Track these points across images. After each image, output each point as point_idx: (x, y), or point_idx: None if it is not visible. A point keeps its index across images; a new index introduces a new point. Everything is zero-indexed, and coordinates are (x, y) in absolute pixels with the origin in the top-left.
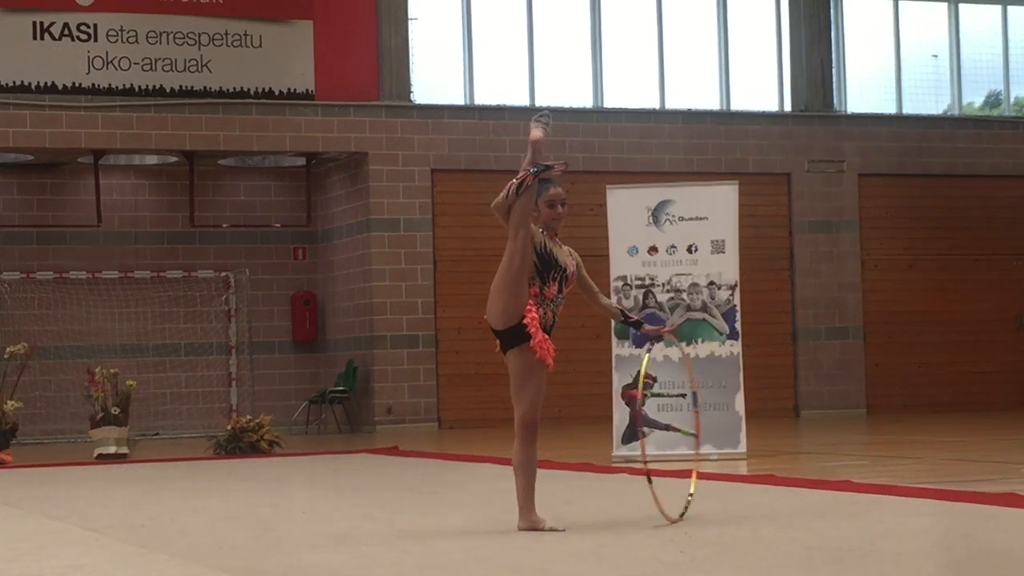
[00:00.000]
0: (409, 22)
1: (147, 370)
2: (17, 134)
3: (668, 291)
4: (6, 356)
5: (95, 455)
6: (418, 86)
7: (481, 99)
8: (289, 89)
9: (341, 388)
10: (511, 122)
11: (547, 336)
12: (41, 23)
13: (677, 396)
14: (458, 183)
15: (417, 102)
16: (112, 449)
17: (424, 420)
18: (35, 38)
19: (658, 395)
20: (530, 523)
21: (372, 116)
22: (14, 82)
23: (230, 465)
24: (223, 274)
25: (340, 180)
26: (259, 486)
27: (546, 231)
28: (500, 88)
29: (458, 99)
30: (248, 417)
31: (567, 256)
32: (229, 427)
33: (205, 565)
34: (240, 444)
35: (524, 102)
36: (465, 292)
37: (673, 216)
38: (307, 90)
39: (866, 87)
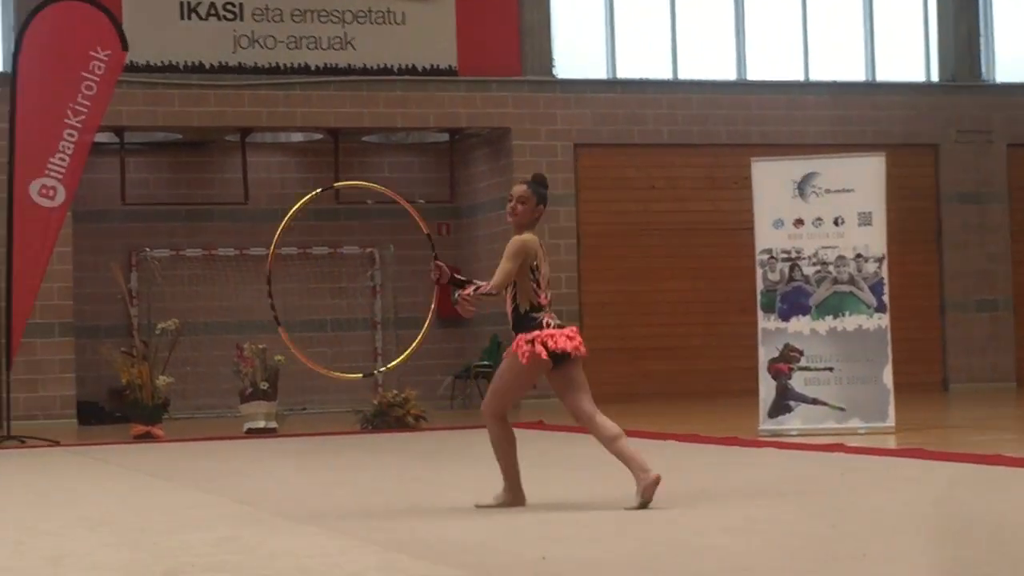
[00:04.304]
0: None
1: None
2: (166, 113)
3: (814, 264)
4: (157, 332)
5: (245, 429)
6: (560, 60)
7: (623, 73)
8: (432, 65)
9: (486, 363)
10: (653, 96)
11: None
12: (188, 3)
13: (824, 370)
14: (601, 157)
15: (559, 77)
16: (261, 423)
17: None
18: (182, 18)
19: (805, 368)
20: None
21: (515, 91)
22: (162, 62)
23: (377, 439)
24: (368, 250)
25: (483, 155)
26: (406, 460)
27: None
28: (642, 62)
29: (600, 73)
30: (394, 392)
31: None
32: (376, 402)
33: (355, 537)
34: (387, 419)
35: (667, 75)
36: (609, 267)
37: (819, 188)
38: (450, 66)
39: (1014, 56)
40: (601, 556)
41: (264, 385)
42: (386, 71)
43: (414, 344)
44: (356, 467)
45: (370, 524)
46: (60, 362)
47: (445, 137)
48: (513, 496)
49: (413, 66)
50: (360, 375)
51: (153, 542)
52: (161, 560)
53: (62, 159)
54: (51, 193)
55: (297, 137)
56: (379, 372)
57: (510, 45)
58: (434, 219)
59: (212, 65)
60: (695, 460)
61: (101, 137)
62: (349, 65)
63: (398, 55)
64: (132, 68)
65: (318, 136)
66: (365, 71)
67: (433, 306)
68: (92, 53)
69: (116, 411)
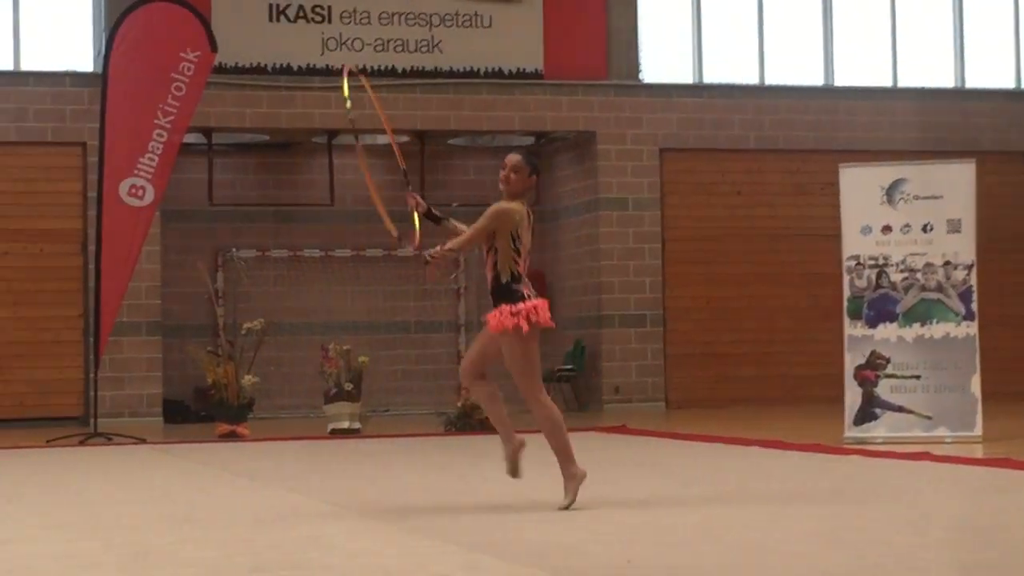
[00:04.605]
0: (638, 0)
1: (378, 347)
2: (254, 115)
3: (902, 271)
4: (243, 332)
5: (329, 430)
6: (647, 65)
7: (710, 77)
8: (518, 68)
9: (569, 367)
10: (740, 101)
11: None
12: (277, 5)
13: (911, 377)
14: (687, 162)
15: (646, 81)
16: (345, 424)
17: (651, 400)
18: (271, 20)
19: (891, 376)
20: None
21: (601, 95)
22: (251, 64)
23: (461, 441)
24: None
25: (568, 159)
26: (489, 463)
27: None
28: (729, 66)
29: (687, 78)
30: None
31: None
32: (459, 404)
33: (439, 537)
34: (470, 421)
35: (754, 80)
36: (693, 271)
37: (908, 195)
38: (536, 69)
39: None
40: (685, 560)
41: (348, 386)
42: (472, 74)
43: (417, 226)
44: (439, 468)
45: (453, 525)
46: (147, 360)
47: (531, 140)
48: (571, 480)
49: (499, 69)
50: (395, 234)
51: (238, 540)
52: (246, 557)
53: (151, 159)
54: (140, 193)
55: (383, 139)
56: (403, 245)
57: (597, 49)
58: None
59: (300, 67)
60: (779, 466)
61: (189, 138)
62: (436, 68)
63: (485, 58)
64: (221, 70)
65: (404, 138)
66: (451, 74)
67: (416, 216)
68: (182, 54)
69: (201, 410)
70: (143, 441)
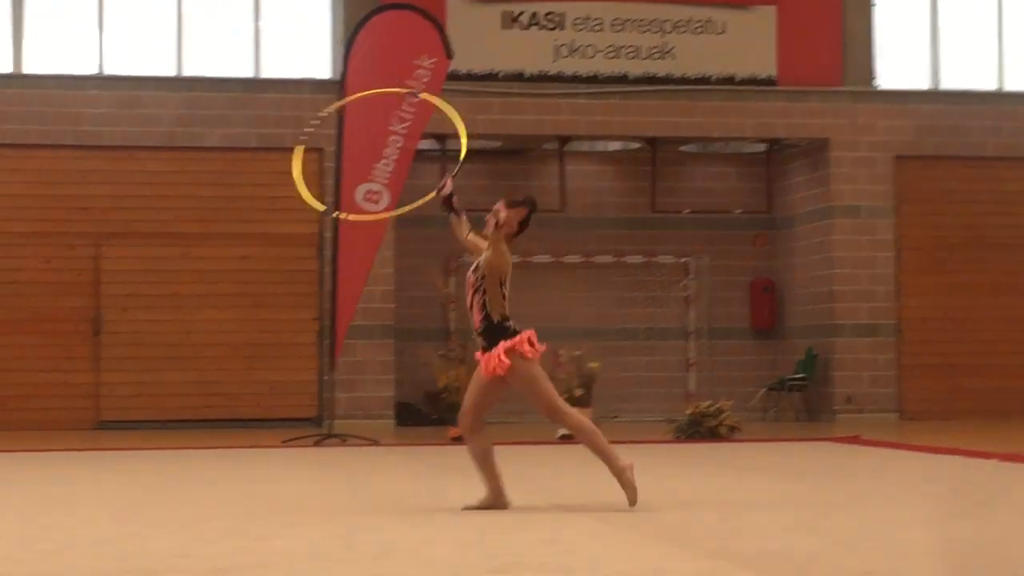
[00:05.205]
0: (874, 6)
1: (608, 353)
2: (486, 121)
3: None
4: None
5: (558, 435)
6: (882, 71)
7: (947, 83)
8: (751, 75)
9: (800, 376)
10: (978, 107)
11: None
12: (510, 12)
13: None
14: (923, 169)
15: (881, 87)
16: None
17: (884, 410)
18: (504, 27)
19: None
20: None
21: (835, 102)
22: (483, 71)
23: (691, 449)
24: (683, 260)
25: (801, 166)
26: (722, 470)
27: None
28: (967, 72)
29: (923, 84)
30: (708, 402)
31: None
32: (689, 412)
33: (674, 543)
34: (700, 429)
35: (992, 86)
36: (929, 280)
37: None
38: (769, 76)
39: None
40: (931, 573)
41: (579, 392)
42: (704, 80)
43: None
44: (670, 476)
45: (689, 532)
46: (380, 364)
47: (762, 147)
48: (622, 474)
49: (732, 76)
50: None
51: (474, 541)
52: (484, 559)
53: (387, 165)
54: (376, 198)
55: (614, 146)
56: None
57: (831, 55)
58: (751, 229)
59: (532, 74)
60: (1022, 480)
61: (423, 144)
62: (668, 74)
63: (717, 65)
64: (454, 76)
65: (635, 145)
66: (683, 80)
67: (437, 191)
68: (416, 61)
69: (433, 413)
70: (376, 443)
